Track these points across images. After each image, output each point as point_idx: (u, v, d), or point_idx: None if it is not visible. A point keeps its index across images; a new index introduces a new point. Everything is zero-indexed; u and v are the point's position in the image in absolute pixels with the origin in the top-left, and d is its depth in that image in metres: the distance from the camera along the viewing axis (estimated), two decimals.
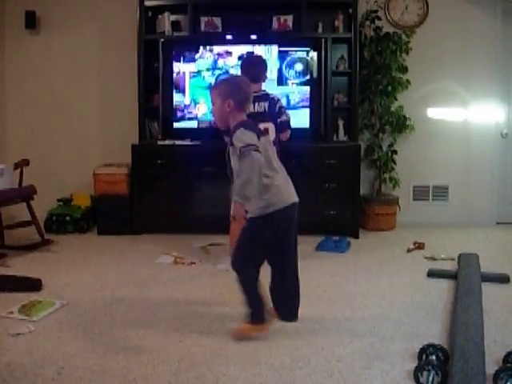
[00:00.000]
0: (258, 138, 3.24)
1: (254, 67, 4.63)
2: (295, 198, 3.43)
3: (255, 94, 4.52)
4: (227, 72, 5.95)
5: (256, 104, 4.53)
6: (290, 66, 5.94)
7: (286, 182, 3.43)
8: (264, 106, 4.62)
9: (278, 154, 4.61)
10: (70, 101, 6.69)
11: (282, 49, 5.96)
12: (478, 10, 6.44)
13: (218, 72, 5.99)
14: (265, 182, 3.24)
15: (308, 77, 5.98)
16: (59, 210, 6.21)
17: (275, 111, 4.65)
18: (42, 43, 6.64)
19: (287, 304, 3.58)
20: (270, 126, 4.58)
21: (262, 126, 4.47)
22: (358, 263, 4.94)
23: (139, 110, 6.09)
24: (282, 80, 5.92)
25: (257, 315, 3.31)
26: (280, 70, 5.92)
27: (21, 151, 6.35)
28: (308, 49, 5.99)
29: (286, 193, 3.38)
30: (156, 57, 6.06)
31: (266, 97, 4.64)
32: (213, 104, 3.40)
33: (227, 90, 3.33)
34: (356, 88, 6.07)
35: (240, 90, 3.35)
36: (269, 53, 5.93)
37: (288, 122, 4.71)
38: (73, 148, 6.71)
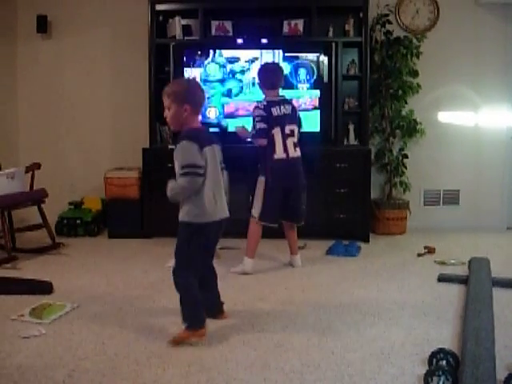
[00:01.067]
0: (202, 148, 3.23)
1: (271, 75, 4.80)
2: (226, 214, 3.48)
3: (275, 99, 4.74)
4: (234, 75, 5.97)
5: (280, 107, 4.70)
6: (301, 70, 5.94)
7: (221, 196, 3.43)
8: (289, 108, 4.79)
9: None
10: (82, 105, 6.72)
11: (292, 53, 5.96)
12: (489, 14, 6.43)
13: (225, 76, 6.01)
14: (205, 192, 3.28)
15: (318, 81, 5.98)
16: (70, 213, 6.23)
17: (297, 114, 4.88)
18: (53, 47, 6.68)
19: (213, 303, 3.64)
20: (295, 128, 4.79)
21: (288, 127, 4.70)
22: (369, 267, 4.94)
23: (150, 114, 6.11)
24: (292, 84, 5.92)
25: (194, 322, 3.26)
26: (291, 74, 5.92)
27: (32, 154, 6.38)
28: (318, 53, 5.99)
29: (220, 207, 3.40)
30: (167, 61, 6.08)
31: (286, 101, 4.83)
32: (167, 109, 3.35)
33: (183, 94, 3.31)
34: (366, 92, 6.06)
35: (195, 94, 3.35)
36: (279, 57, 5.93)
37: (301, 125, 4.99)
38: (84, 152, 6.73)
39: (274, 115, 4.63)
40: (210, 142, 3.35)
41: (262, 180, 4.69)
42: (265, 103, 4.67)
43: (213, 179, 3.32)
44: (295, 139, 4.73)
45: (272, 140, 4.63)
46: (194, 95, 3.33)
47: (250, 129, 4.82)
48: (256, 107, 4.70)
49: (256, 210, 4.70)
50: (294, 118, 4.79)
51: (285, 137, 4.66)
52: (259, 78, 4.80)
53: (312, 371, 2.87)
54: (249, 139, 4.85)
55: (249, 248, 4.74)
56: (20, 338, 3.30)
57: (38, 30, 6.55)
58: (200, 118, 3.43)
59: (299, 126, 4.90)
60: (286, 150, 4.66)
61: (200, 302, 3.34)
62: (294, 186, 4.77)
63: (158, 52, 6.07)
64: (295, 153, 4.72)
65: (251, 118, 4.75)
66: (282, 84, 4.87)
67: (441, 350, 2.83)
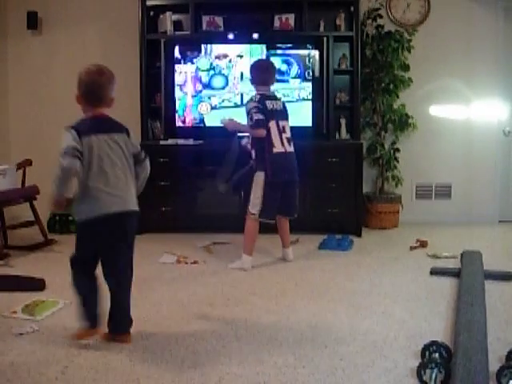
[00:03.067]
0: (80, 136, 2.99)
1: (263, 72, 4.79)
2: (124, 208, 3.11)
3: (266, 94, 4.72)
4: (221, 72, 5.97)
5: (274, 102, 4.72)
6: (292, 64, 5.94)
7: (117, 188, 3.08)
8: (280, 104, 4.79)
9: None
10: (73, 101, 6.64)
11: (283, 47, 5.96)
12: (480, 8, 6.44)
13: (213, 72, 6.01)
14: (89, 186, 3.05)
15: (310, 75, 5.98)
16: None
17: (287, 111, 4.86)
18: (44, 44, 6.65)
19: (115, 316, 3.22)
20: (287, 124, 4.78)
21: (281, 123, 4.70)
22: (361, 261, 4.94)
23: (141, 110, 6.10)
24: (283, 79, 5.92)
25: (86, 319, 3.14)
26: (282, 69, 5.91)
27: (23, 151, 6.35)
28: (310, 47, 5.99)
29: (111, 201, 3.06)
30: (158, 56, 6.06)
31: (277, 97, 4.86)
32: None
33: (78, 82, 3.23)
34: (358, 86, 6.07)
35: (87, 85, 3.20)
36: (270, 52, 5.93)
37: None
38: None
39: (269, 108, 4.62)
40: (105, 130, 3.12)
41: (260, 175, 4.63)
42: (259, 96, 4.65)
43: (97, 169, 3.04)
44: (288, 135, 4.73)
45: (269, 133, 4.60)
46: (85, 85, 3.19)
47: (238, 121, 4.81)
48: (250, 100, 4.68)
49: (255, 207, 4.65)
50: (285, 114, 4.79)
51: (280, 131, 4.66)
52: (251, 75, 4.80)
53: (305, 365, 2.87)
54: (240, 133, 4.83)
55: (246, 245, 4.71)
56: (13, 334, 3.28)
57: (28, 27, 6.53)
58: (95, 110, 3.20)
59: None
60: (282, 143, 4.66)
61: (89, 303, 3.15)
62: (292, 180, 4.77)
63: (148, 47, 6.07)
64: (290, 147, 4.72)
65: (245, 112, 4.68)
66: (274, 81, 4.87)
67: (433, 343, 2.83)
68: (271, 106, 4.65)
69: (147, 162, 3.31)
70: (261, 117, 4.55)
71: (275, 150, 4.61)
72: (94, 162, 3.03)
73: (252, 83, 4.82)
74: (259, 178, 4.64)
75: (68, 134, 3.03)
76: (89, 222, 3.06)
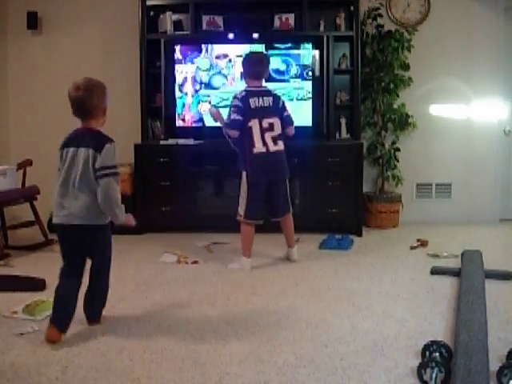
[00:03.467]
0: (62, 147, 3.32)
1: (256, 65, 4.68)
2: (67, 221, 3.22)
3: (257, 89, 4.60)
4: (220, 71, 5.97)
5: (259, 99, 4.58)
6: (292, 64, 5.94)
7: (65, 201, 3.22)
8: (269, 100, 4.65)
9: (285, 149, 4.68)
10: None
11: (283, 47, 5.95)
12: (480, 7, 6.43)
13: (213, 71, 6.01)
14: (55, 192, 3.27)
15: (310, 75, 5.98)
16: None
17: (279, 106, 4.72)
18: (44, 44, 6.65)
19: (89, 304, 3.44)
20: (276, 121, 4.65)
21: (266, 120, 4.56)
22: (361, 261, 4.94)
23: (142, 110, 6.11)
24: (284, 78, 5.92)
25: (56, 319, 3.22)
26: (282, 69, 5.91)
27: (24, 151, 6.35)
28: (310, 47, 5.99)
29: (59, 212, 3.25)
30: (158, 56, 6.06)
31: (268, 92, 4.71)
32: None
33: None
34: (358, 86, 6.07)
35: (70, 98, 3.42)
36: (271, 51, 5.93)
37: (291, 117, 4.76)
38: None
39: (252, 107, 4.53)
40: (76, 144, 3.28)
41: (243, 174, 4.61)
42: (243, 93, 4.56)
43: (61, 181, 3.24)
44: (274, 133, 4.60)
45: (249, 133, 4.52)
46: (70, 102, 3.38)
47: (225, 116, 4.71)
48: (234, 97, 4.59)
49: (241, 208, 4.63)
50: (274, 110, 4.65)
51: (263, 130, 4.55)
52: (243, 67, 4.71)
53: (305, 365, 2.87)
54: (220, 125, 4.73)
55: (244, 248, 4.69)
56: (13, 334, 3.28)
57: (28, 27, 6.52)
58: (87, 121, 3.42)
59: (286, 119, 4.75)
60: (265, 143, 4.55)
61: (63, 304, 3.26)
62: (276, 180, 4.68)
63: (149, 47, 6.06)
64: (275, 147, 4.60)
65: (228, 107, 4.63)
66: (267, 75, 4.79)
67: (434, 342, 2.83)
68: (256, 104, 4.54)
69: (105, 181, 3.20)
70: (237, 117, 4.48)
71: (255, 151, 4.53)
72: (60, 173, 3.27)
73: (243, 77, 4.74)
74: (243, 177, 4.62)
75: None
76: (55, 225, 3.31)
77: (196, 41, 6.12)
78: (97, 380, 2.72)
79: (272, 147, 4.58)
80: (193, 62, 6.02)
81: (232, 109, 4.53)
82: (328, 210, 5.86)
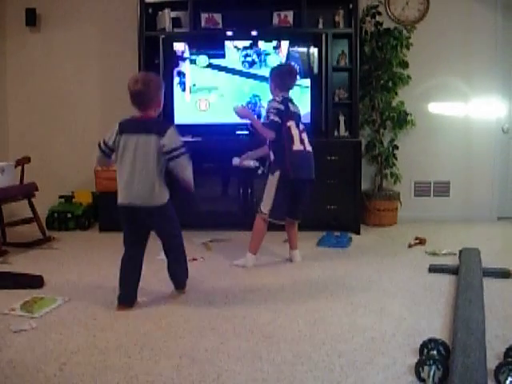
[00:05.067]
0: (121, 133, 3.63)
1: (287, 77, 4.72)
2: (136, 202, 3.58)
3: (287, 96, 4.66)
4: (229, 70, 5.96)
5: (292, 105, 4.67)
6: (291, 61, 5.92)
7: (131, 182, 3.56)
8: (298, 109, 4.76)
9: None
10: (71, 98, 6.70)
11: (282, 45, 5.95)
12: (479, 5, 6.44)
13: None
14: (118, 176, 3.62)
15: (309, 72, 5.97)
16: (61, 206, 6.22)
17: (301, 115, 4.84)
18: (42, 40, 6.65)
19: (175, 276, 3.94)
20: (303, 127, 4.76)
21: (301, 126, 4.70)
22: (359, 259, 4.95)
23: None
24: None
25: (119, 294, 3.69)
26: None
27: (22, 148, 6.36)
28: (308, 44, 5.98)
29: (130, 194, 3.58)
30: (157, 53, 6.06)
31: (294, 102, 4.75)
32: None
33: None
34: (357, 83, 6.06)
35: (129, 91, 3.70)
36: (269, 49, 5.93)
37: None
38: (74, 145, 6.71)
39: (291, 110, 4.60)
40: (136, 130, 3.60)
41: (276, 175, 4.57)
42: (281, 97, 4.60)
43: (125, 165, 3.57)
44: (306, 137, 4.69)
45: (289, 132, 4.56)
46: (129, 94, 3.70)
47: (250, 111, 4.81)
48: (273, 100, 4.62)
49: (266, 207, 4.63)
50: (300, 119, 4.75)
51: (300, 131, 4.62)
52: (274, 80, 4.70)
53: (303, 362, 2.87)
54: (250, 121, 4.81)
55: (253, 244, 4.71)
56: (11, 332, 3.28)
57: (26, 23, 6.54)
58: (144, 110, 3.69)
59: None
60: (302, 142, 4.62)
61: (122, 281, 3.69)
62: (309, 179, 4.71)
63: (147, 45, 6.05)
64: (309, 147, 4.69)
65: (265, 110, 4.67)
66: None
67: (432, 340, 2.84)
68: (292, 109, 4.62)
69: (177, 162, 3.62)
70: (277, 119, 4.51)
71: (295, 148, 4.57)
72: (122, 159, 3.60)
73: (273, 89, 4.72)
74: (275, 177, 4.59)
75: (113, 127, 3.68)
76: (119, 206, 3.63)
77: (195, 38, 6.11)
78: (94, 377, 2.72)
79: (308, 147, 4.67)
80: (191, 60, 6.01)
81: (272, 110, 4.55)
82: (326, 207, 5.87)
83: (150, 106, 3.67)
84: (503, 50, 6.47)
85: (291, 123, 4.58)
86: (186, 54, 6.03)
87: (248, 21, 6.12)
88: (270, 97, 4.73)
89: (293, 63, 5.70)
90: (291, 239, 4.92)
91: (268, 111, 4.58)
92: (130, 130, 3.60)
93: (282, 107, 4.55)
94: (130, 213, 3.61)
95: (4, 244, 5.30)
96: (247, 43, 5.96)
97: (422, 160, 6.62)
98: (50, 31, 6.63)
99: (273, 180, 4.61)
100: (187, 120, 6.04)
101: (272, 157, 4.67)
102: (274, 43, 5.96)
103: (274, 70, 4.80)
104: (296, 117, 4.66)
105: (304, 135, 4.67)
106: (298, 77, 4.88)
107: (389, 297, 3.92)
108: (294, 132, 4.59)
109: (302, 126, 4.69)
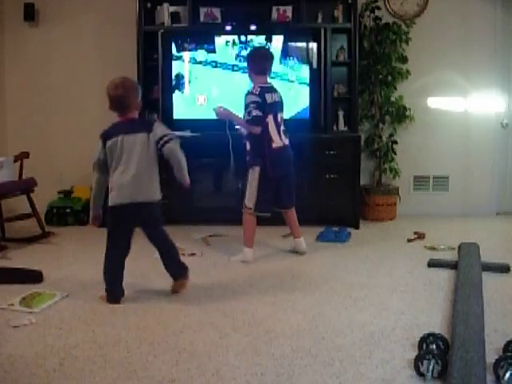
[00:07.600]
0: (105, 141, 3.70)
1: (262, 60, 4.67)
2: (137, 199, 3.68)
3: (265, 85, 4.61)
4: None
5: (272, 94, 4.61)
6: (290, 56, 5.92)
7: (133, 181, 3.64)
8: (278, 96, 4.71)
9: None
10: (70, 93, 6.69)
11: (281, 39, 5.93)
12: (478, 0, 6.42)
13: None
14: (112, 178, 3.69)
15: (308, 67, 5.96)
16: (60, 202, 6.21)
17: (283, 102, 4.79)
18: (41, 35, 6.63)
19: (171, 266, 3.95)
20: (282, 116, 4.74)
21: (279, 115, 4.66)
22: (359, 253, 4.95)
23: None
24: (281, 71, 5.90)
25: (108, 293, 3.74)
26: (280, 61, 5.89)
27: (21, 144, 6.34)
28: (307, 39, 5.97)
29: (128, 192, 3.66)
30: (155, 48, 6.04)
31: (274, 89, 4.73)
32: None
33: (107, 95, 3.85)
34: (356, 78, 6.06)
35: (108, 94, 3.79)
36: (268, 44, 5.91)
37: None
38: (73, 140, 6.69)
39: (268, 102, 4.54)
40: (125, 132, 3.67)
41: (256, 170, 4.59)
42: (258, 89, 4.53)
43: (120, 167, 3.65)
44: (283, 128, 4.69)
45: (267, 128, 4.54)
46: (110, 99, 3.77)
47: (231, 111, 4.71)
48: (250, 93, 4.55)
49: (251, 201, 4.63)
50: (281, 106, 4.74)
51: (277, 125, 4.61)
52: (248, 63, 4.68)
53: (302, 356, 2.88)
54: (237, 126, 4.77)
55: (246, 239, 4.71)
56: (10, 327, 3.28)
57: (25, 18, 6.51)
58: (127, 113, 3.77)
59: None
60: (281, 137, 4.63)
61: (113, 278, 3.77)
62: (290, 172, 4.75)
63: (146, 39, 6.03)
64: (286, 140, 4.70)
65: (243, 105, 4.57)
66: (271, 71, 4.78)
67: (431, 335, 2.84)
68: (270, 99, 4.57)
69: (169, 146, 3.74)
70: (259, 113, 4.47)
71: (274, 145, 4.58)
72: (116, 160, 3.66)
73: (249, 73, 4.70)
74: (255, 172, 4.60)
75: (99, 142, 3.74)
76: (112, 207, 3.73)
77: (193, 33, 6.10)
78: (94, 372, 2.72)
79: (285, 141, 4.68)
80: (190, 55, 6.00)
81: (251, 105, 4.48)
82: (325, 202, 5.86)
83: (131, 109, 3.75)
84: (502, 45, 6.46)
85: (270, 117, 4.55)
86: (185, 49, 6.01)
87: (247, 16, 6.09)
88: (243, 90, 4.70)
89: (292, 57, 5.72)
90: (292, 228, 4.93)
91: (247, 106, 4.51)
92: (119, 132, 3.67)
93: (259, 100, 4.48)
94: (129, 211, 3.69)
95: (3, 239, 5.30)
96: (245, 38, 5.94)
97: (421, 155, 6.62)
98: (48, 26, 6.61)
99: (253, 175, 4.62)
100: (186, 115, 6.04)
101: (248, 147, 4.65)
102: (274, 38, 5.92)
103: (249, 54, 4.79)
104: (274, 107, 4.60)
105: (282, 127, 4.66)
106: (273, 61, 4.74)
107: (388, 291, 3.92)
108: (272, 127, 4.56)
109: (280, 116, 4.66)
